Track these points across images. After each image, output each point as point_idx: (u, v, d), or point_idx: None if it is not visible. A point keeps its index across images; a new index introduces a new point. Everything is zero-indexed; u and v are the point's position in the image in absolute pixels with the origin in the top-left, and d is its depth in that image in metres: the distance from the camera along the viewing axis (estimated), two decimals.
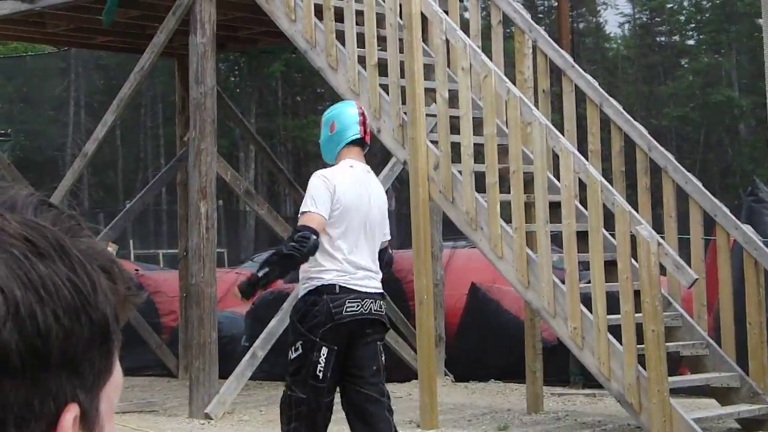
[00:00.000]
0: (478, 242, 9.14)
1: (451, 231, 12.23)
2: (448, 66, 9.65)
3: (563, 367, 11.48)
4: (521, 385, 10.58)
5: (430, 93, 9.69)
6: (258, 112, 38.41)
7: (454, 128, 9.44)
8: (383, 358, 6.10)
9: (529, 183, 9.09)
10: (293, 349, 5.85)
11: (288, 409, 5.97)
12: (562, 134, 9.33)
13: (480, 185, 9.20)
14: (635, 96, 43.04)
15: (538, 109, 9.82)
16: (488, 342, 11.96)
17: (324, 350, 5.78)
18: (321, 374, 5.81)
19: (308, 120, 37.59)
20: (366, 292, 5.92)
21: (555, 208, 8.95)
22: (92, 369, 0.83)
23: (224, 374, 10.55)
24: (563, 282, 8.63)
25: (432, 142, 9.45)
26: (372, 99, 9.74)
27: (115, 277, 0.85)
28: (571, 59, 10.00)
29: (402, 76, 9.53)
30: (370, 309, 5.94)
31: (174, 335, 13.49)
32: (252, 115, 37.20)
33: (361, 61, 9.79)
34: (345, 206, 5.87)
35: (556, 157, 9.07)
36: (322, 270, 5.84)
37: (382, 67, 9.66)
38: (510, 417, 9.64)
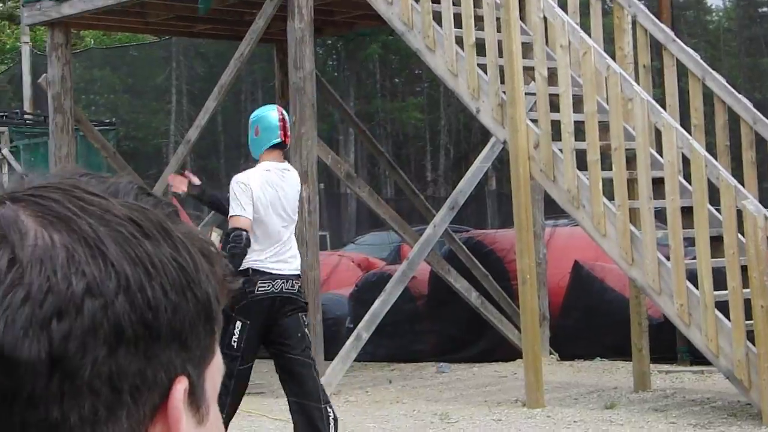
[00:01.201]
0: (581, 220, 9.08)
1: (551, 209, 12.18)
2: (547, 44, 9.59)
3: (670, 344, 11.37)
4: (627, 363, 10.51)
5: (528, 71, 9.64)
6: (356, 95, 38.52)
7: (554, 106, 9.38)
8: (307, 328, 6.99)
9: (631, 159, 9.00)
10: (231, 326, 6.68)
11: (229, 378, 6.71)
12: (664, 110, 9.22)
13: (581, 163, 9.14)
14: (738, 69, 42.32)
15: (638, 84, 9.72)
16: (593, 320, 11.89)
17: (238, 324, 6.69)
18: (235, 344, 6.71)
19: (407, 102, 37.62)
20: (277, 274, 6.78)
21: (658, 184, 8.86)
22: (198, 345, 0.85)
23: (330, 356, 10.64)
24: (668, 259, 8.55)
25: (532, 120, 9.40)
26: (470, 79, 9.72)
27: (213, 261, 0.88)
28: (671, 33, 9.87)
29: (500, 55, 9.50)
30: (281, 288, 6.77)
31: None
32: (350, 99, 37.34)
33: (459, 41, 9.78)
34: (263, 206, 6.79)
35: (658, 133, 8.97)
36: (256, 260, 6.76)
37: (480, 47, 9.63)
38: (617, 395, 9.58)
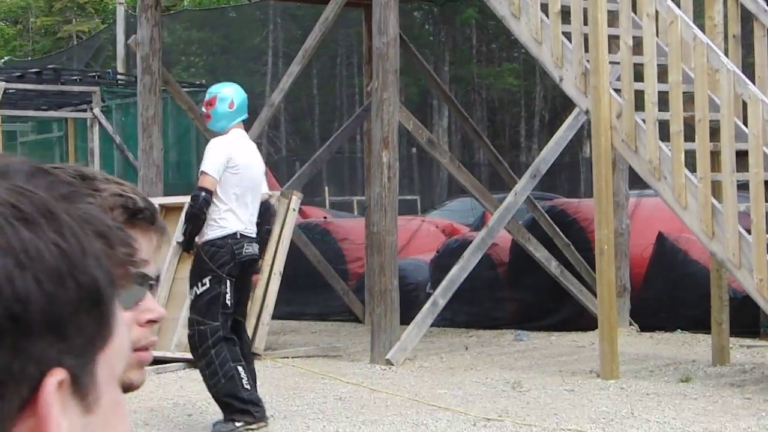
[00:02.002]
0: (662, 192, 8.97)
1: (638, 179, 12.03)
2: (634, 12, 9.45)
3: (755, 319, 11.19)
4: (708, 336, 10.37)
5: (613, 40, 9.51)
6: (451, 60, 38.36)
7: (639, 76, 9.26)
8: None
9: (715, 131, 8.86)
10: (200, 284, 7.30)
11: (203, 341, 7.29)
12: (753, 81, 9.06)
13: (664, 134, 9.02)
14: None
15: (727, 55, 9.54)
16: (675, 292, 11.76)
17: (229, 283, 7.30)
18: (230, 303, 7.34)
19: (502, 68, 37.37)
20: (252, 237, 7.48)
21: (742, 156, 8.70)
22: (81, 334, 0.80)
23: (410, 321, 10.66)
24: (749, 232, 8.41)
25: (615, 90, 9.29)
26: (554, 47, 9.63)
27: (112, 242, 0.85)
28: (764, 3, 9.67)
29: (585, 23, 9.39)
30: (254, 250, 7.50)
31: (360, 282, 13.69)
32: (445, 64, 37.19)
33: (544, 8, 9.68)
34: (242, 170, 7.43)
35: (745, 105, 8.81)
36: (227, 220, 7.38)
37: (565, 15, 9.52)
38: (694, 369, 9.48)
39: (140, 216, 1.73)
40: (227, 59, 40.36)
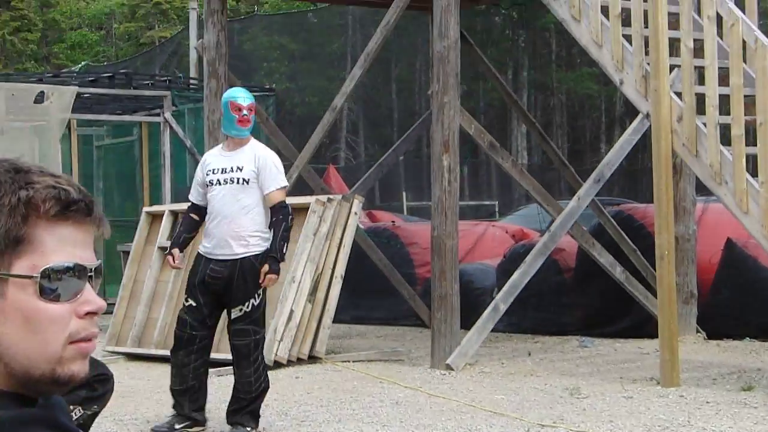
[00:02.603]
0: (723, 197, 8.84)
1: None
2: (699, 14, 9.33)
3: None
4: None
5: (674, 43, 9.39)
6: (532, 64, 38.18)
7: (700, 79, 9.13)
8: None
9: None
10: (257, 295, 7.36)
11: (257, 349, 7.44)
12: None
13: (725, 138, 8.88)
14: None
15: None
16: (745, 299, 11.57)
17: (264, 294, 7.49)
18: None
19: (582, 72, 37.10)
20: None
21: None
22: None
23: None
24: None
25: (676, 93, 9.17)
26: (615, 49, 9.54)
27: None
28: None
29: (645, 25, 9.28)
30: None
31: (427, 286, 13.64)
32: (525, 68, 37.04)
33: (604, 11, 9.60)
34: None
35: None
36: (268, 234, 7.41)
37: (626, 17, 9.42)
38: (758, 377, 9.31)
39: (73, 208, 1.74)
40: (308, 65, 40.61)
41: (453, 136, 10.31)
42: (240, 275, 7.32)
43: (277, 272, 7.34)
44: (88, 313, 1.75)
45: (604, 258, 11.62)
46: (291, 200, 11.39)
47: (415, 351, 11.67)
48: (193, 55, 18.74)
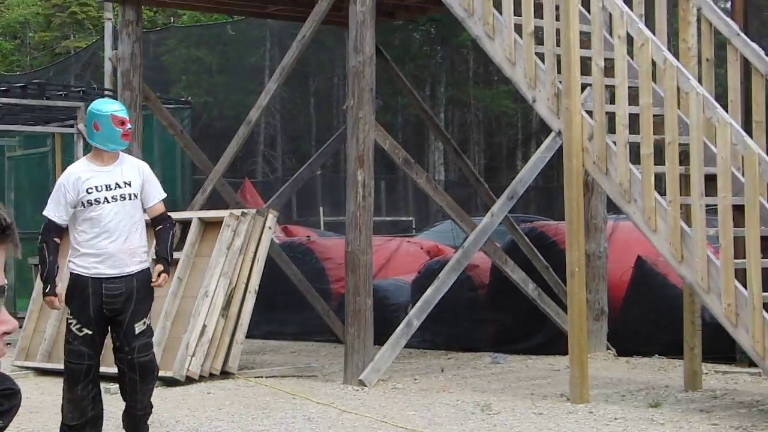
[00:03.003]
0: (632, 215, 8.94)
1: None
2: (610, 34, 9.44)
3: (732, 344, 11.12)
4: None
5: (586, 61, 9.50)
6: (449, 80, 38.39)
7: (611, 98, 9.25)
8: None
9: (686, 155, 8.84)
10: (147, 318, 7.34)
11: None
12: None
13: (635, 157, 9.00)
14: None
15: (701, 79, 9.53)
16: (654, 316, 11.70)
17: None
18: None
19: (499, 89, 37.37)
20: None
21: (713, 180, 8.67)
22: None
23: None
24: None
25: (587, 111, 9.27)
26: (528, 67, 9.62)
27: None
28: (736, 27, 9.65)
29: (558, 44, 9.38)
30: None
31: (342, 301, 13.64)
32: (442, 84, 37.22)
33: (518, 29, 9.68)
34: None
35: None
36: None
37: (538, 35, 9.52)
38: (665, 394, 9.43)
39: (7, 231, 1.74)
40: (225, 78, 40.41)
41: (368, 151, 10.32)
42: (140, 289, 7.13)
43: (168, 273, 7.27)
44: (3, 333, 1.74)
45: (517, 274, 11.70)
46: (205, 214, 11.34)
47: (328, 366, 11.65)
48: (107, 66, 18.56)
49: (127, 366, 7.13)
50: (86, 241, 7.07)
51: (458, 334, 12.82)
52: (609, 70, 9.24)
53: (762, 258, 8.17)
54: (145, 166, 7.28)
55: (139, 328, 7.12)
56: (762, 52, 9.42)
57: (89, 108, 7.28)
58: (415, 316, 10.42)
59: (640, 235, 11.83)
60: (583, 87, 9.43)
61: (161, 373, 10.46)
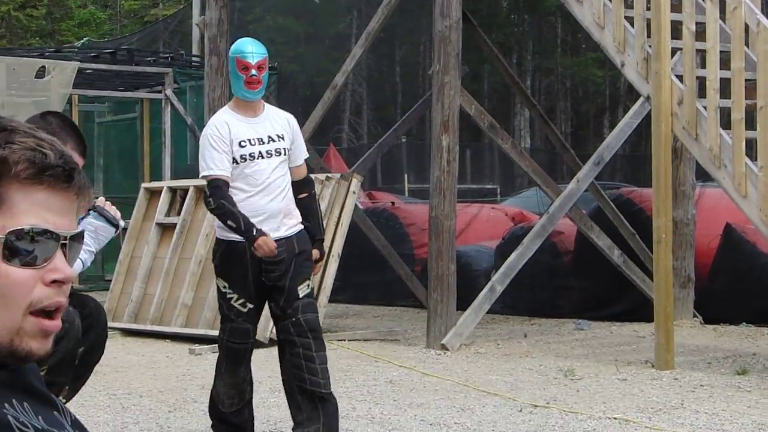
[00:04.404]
0: (722, 180, 8.81)
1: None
2: None
3: None
4: None
5: (677, 25, 9.35)
6: (536, 49, 38.11)
7: (702, 62, 9.10)
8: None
9: None
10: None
11: None
12: None
13: (725, 121, 8.86)
14: None
15: None
16: (742, 284, 11.54)
17: None
18: None
19: (586, 57, 37.02)
20: None
21: None
22: None
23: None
24: None
25: (677, 76, 9.13)
26: (617, 31, 9.50)
27: None
28: None
29: (648, 8, 9.24)
30: None
31: (425, 267, 13.63)
32: (529, 52, 36.96)
33: None
34: None
35: None
36: None
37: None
38: (752, 361, 9.30)
39: (49, 172, 1.68)
40: (312, 47, 40.52)
41: (453, 116, 10.28)
42: (301, 251, 6.17)
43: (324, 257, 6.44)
44: (54, 281, 1.70)
45: (603, 241, 11.60)
46: None
47: (411, 331, 11.67)
48: (195, 33, 18.70)
49: (294, 329, 6.07)
50: (242, 201, 6.07)
51: (542, 300, 12.76)
52: (700, 34, 9.09)
53: None
54: (292, 119, 6.36)
55: (302, 291, 6.15)
56: None
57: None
58: (498, 282, 10.38)
59: (728, 202, 11.67)
60: (674, 51, 9.29)
61: None
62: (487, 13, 36.87)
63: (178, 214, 11.94)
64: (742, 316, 11.49)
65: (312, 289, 6.22)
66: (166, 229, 12.02)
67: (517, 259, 10.33)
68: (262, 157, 6.12)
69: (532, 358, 9.70)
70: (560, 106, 38.62)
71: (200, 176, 6.17)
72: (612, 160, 12.01)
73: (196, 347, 10.35)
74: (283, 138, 6.19)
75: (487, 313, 10.79)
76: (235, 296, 6.14)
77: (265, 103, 6.34)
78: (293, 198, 6.25)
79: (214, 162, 6.07)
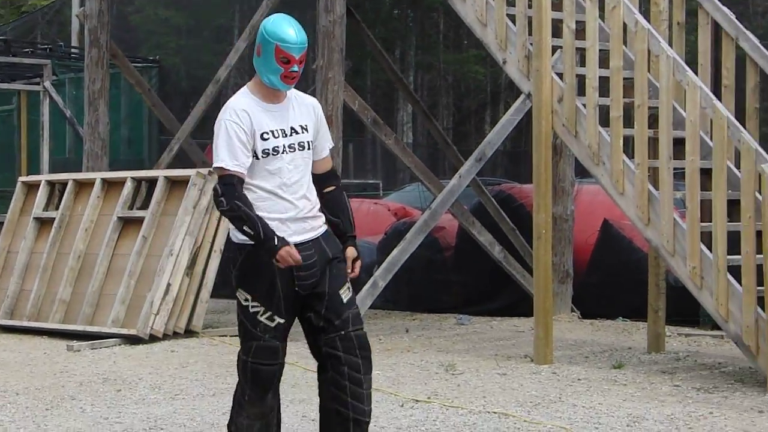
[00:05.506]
0: (600, 177, 8.95)
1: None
2: None
3: (696, 307, 11.20)
4: None
5: (558, 23, 9.48)
6: (419, 44, 38.29)
7: (582, 60, 9.24)
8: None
9: (655, 118, 8.85)
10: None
11: None
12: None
13: (604, 119, 9.01)
14: None
15: (671, 42, 9.54)
16: (618, 279, 11.76)
17: None
18: None
19: (468, 54, 37.32)
20: None
21: (681, 144, 8.69)
22: None
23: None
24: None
25: (557, 74, 9.26)
26: (499, 29, 9.60)
27: None
28: None
29: (530, 6, 9.35)
30: None
31: None
32: (412, 48, 37.10)
33: None
34: None
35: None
36: None
37: None
38: (628, 356, 9.48)
39: None
40: (194, 40, 40.13)
41: (336, 111, 10.28)
42: (333, 251, 5.44)
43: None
44: None
45: (484, 236, 11.71)
46: (171, 173, 11.28)
47: (296, 326, 11.62)
48: (75, 24, 18.41)
49: (342, 346, 5.36)
50: (261, 201, 5.30)
51: (423, 296, 12.84)
52: (580, 32, 9.23)
53: (728, 221, 8.19)
54: (317, 105, 5.58)
55: (345, 295, 5.41)
56: (732, 16, 9.42)
57: (263, 23, 5.46)
58: (380, 277, 10.42)
59: (604, 198, 11.88)
60: (554, 49, 9.41)
61: (124, 331, 10.47)
62: (371, 8, 36.93)
63: (57, 208, 11.74)
64: (619, 311, 11.71)
65: (352, 291, 5.48)
66: (44, 223, 11.81)
67: (399, 254, 10.38)
68: (286, 152, 5.34)
69: (413, 353, 9.75)
70: (442, 101, 38.88)
71: (212, 167, 5.40)
72: (493, 156, 12.14)
73: (74, 344, 10.20)
74: (307, 129, 5.43)
75: (370, 308, 10.82)
76: (261, 309, 5.35)
77: (293, 89, 5.52)
78: (317, 196, 5.49)
79: (228, 154, 5.24)
